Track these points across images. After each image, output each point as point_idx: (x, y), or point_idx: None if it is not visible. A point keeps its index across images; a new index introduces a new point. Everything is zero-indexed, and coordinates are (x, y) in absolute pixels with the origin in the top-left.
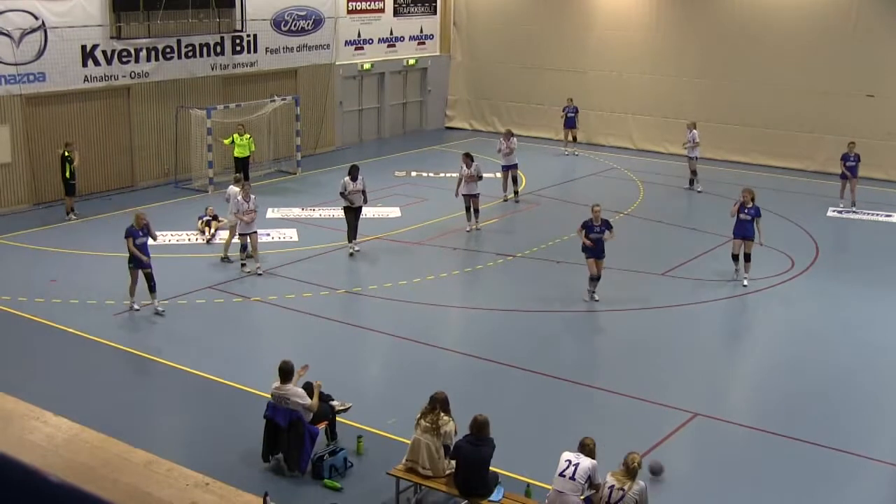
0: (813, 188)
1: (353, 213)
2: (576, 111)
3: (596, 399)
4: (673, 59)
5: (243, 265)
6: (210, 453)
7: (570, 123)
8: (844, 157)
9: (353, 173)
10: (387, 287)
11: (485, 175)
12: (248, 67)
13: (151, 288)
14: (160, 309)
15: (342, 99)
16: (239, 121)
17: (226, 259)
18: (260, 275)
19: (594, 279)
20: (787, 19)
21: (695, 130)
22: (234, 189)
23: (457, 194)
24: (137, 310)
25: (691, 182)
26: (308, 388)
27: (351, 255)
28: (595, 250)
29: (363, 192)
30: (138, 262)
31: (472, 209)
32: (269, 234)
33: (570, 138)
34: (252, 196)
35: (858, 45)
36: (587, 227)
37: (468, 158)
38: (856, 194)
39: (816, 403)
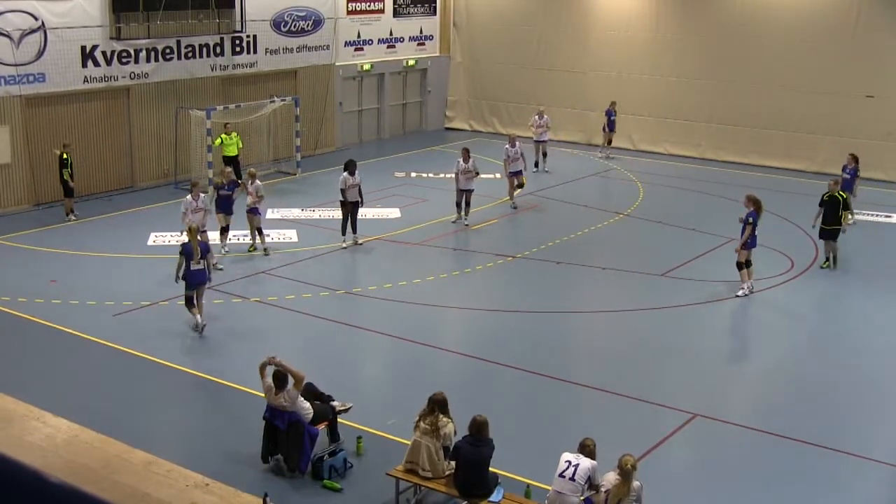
0: (812, 189)
1: (348, 208)
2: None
3: (596, 400)
4: (673, 59)
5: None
6: (210, 453)
7: (612, 127)
8: (843, 168)
9: (350, 168)
10: (386, 288)
11: (486, 175)
12: (248, 68)
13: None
14: (203, 324)
15: (342, 100)
16: (230, 121)
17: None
18: (220, 269)
19: None
20: (787, 19)
21: (545, 117)
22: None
23: (457, 187)
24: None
25: (536, 164)
26: (281, 378)
27: (343, 247)
28: None
29: (360, 187)
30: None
31: (463, 202)
32: (269, 235)
33: (606, 142)
34: (201, 195)
35: (858, 46)
36: None
37: (466, 153)
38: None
39: (816, 404)
